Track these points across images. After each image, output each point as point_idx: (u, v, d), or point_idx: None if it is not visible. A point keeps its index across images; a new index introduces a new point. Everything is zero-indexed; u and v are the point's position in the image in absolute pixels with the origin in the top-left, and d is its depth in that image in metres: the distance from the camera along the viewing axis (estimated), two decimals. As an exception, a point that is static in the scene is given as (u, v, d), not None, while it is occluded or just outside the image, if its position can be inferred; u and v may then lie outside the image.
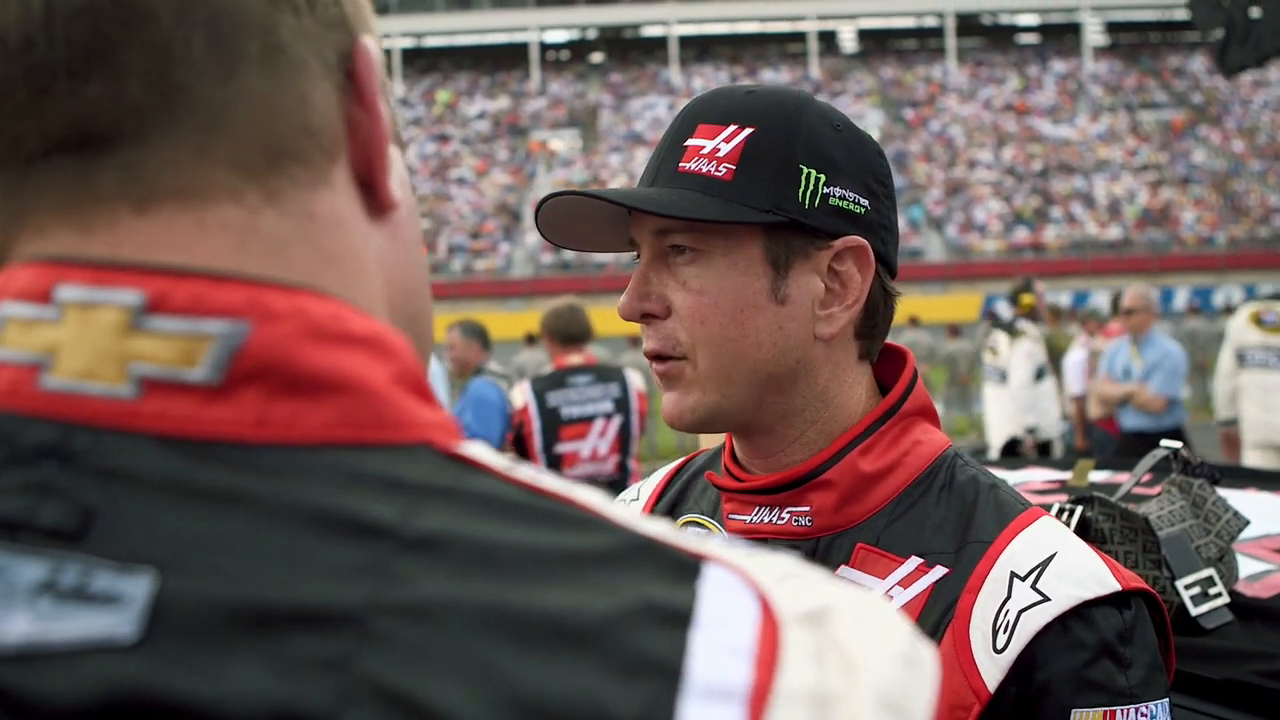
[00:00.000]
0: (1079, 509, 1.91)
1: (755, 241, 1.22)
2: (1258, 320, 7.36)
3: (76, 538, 0.46)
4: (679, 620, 0.45)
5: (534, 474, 0.51)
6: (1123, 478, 2.77)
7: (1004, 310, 10.31)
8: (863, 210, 1.25)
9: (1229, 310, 25.10)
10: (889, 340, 1.36)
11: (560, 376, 6.35)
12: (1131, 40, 56.93)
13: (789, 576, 0.49)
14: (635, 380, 6.56)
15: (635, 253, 1.30)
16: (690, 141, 1.24)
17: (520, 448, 6.29)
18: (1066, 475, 2.80)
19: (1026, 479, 2.93)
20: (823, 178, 1.22)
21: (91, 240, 0.52)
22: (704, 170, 1.22)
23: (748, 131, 1.22)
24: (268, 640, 0.43)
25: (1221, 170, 44.87)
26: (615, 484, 6.34)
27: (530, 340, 15.57)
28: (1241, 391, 7.48)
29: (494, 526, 0.48)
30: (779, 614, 0.47)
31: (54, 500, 0.46)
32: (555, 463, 6.25)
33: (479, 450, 0.52)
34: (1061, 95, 51.08)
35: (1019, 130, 48.07)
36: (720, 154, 1.22)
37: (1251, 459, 7.42)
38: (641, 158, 44.55)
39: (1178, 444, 2.06)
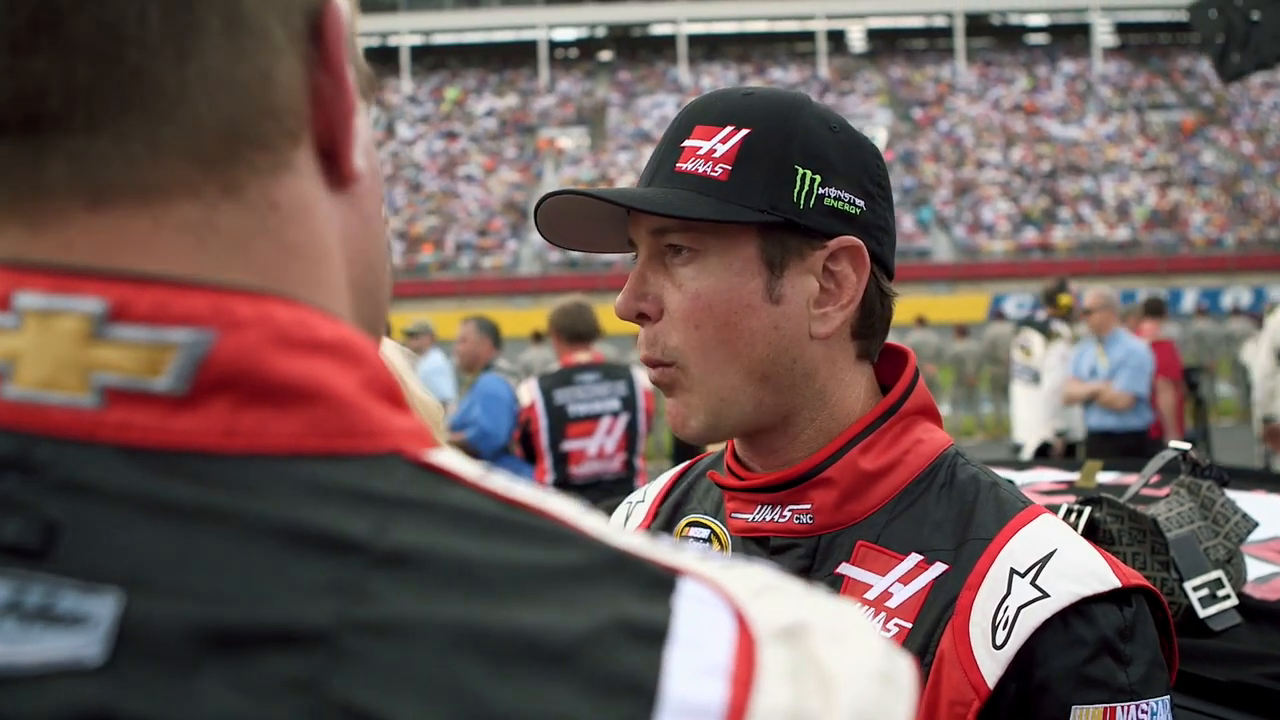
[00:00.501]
0: (1087, 510, 1.91)
1: (751, 241, 1.23)
2: None
3: (39, 555, 0.44)
4: (654, 638, 0.45)
5: (507, 484, 0.50)
6: (1131, 479, 2.76)
7: (1010, 310, 10.45)
8: (858, 211, 1.25)
9: (1237, 312, 25.09)
10: (892, 340, 1.37)
11: (568, 374, 6.35)
12: (1141, 41, 56.81)
13: (765, 590, 0.48)
14: (643, 378, 6.55)
15: (635, 253, 1.31)
16: (687, 142, 1.25)
17: (526, 445, 6.31)
18: (1074, 476, 2.80)
19: (1034, 479, 2.93)
20: (818, 178, 1.23)
21: (42, 238, 0.50)
22: (700, 170, 1.23)
23: (744, 132, 1.23)
24: (236, 661, 0.42)
25: (1230, 172, 44.77)
26: (622, 482, 6.35)
27: (538, 338, 15.55)
28: None
29: (466, 541, 0.46)
30: (755, 630, 0.46)
31: (15, 515, 0.45)
32: (562, 460, 6.27)
33: (450, 459, 0.51)
34: (1070, 96, 50.99)
35: (1028, 131, 48.00)
36: (716, 154, 1.23)
37: None
38: (649, 156, 44.51)
39: (1186, 445, 2.06)
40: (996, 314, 24.79)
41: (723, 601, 0.47)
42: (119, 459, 0.46)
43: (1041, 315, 10.22)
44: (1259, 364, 8.03)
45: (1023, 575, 1.18)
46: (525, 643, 0.43)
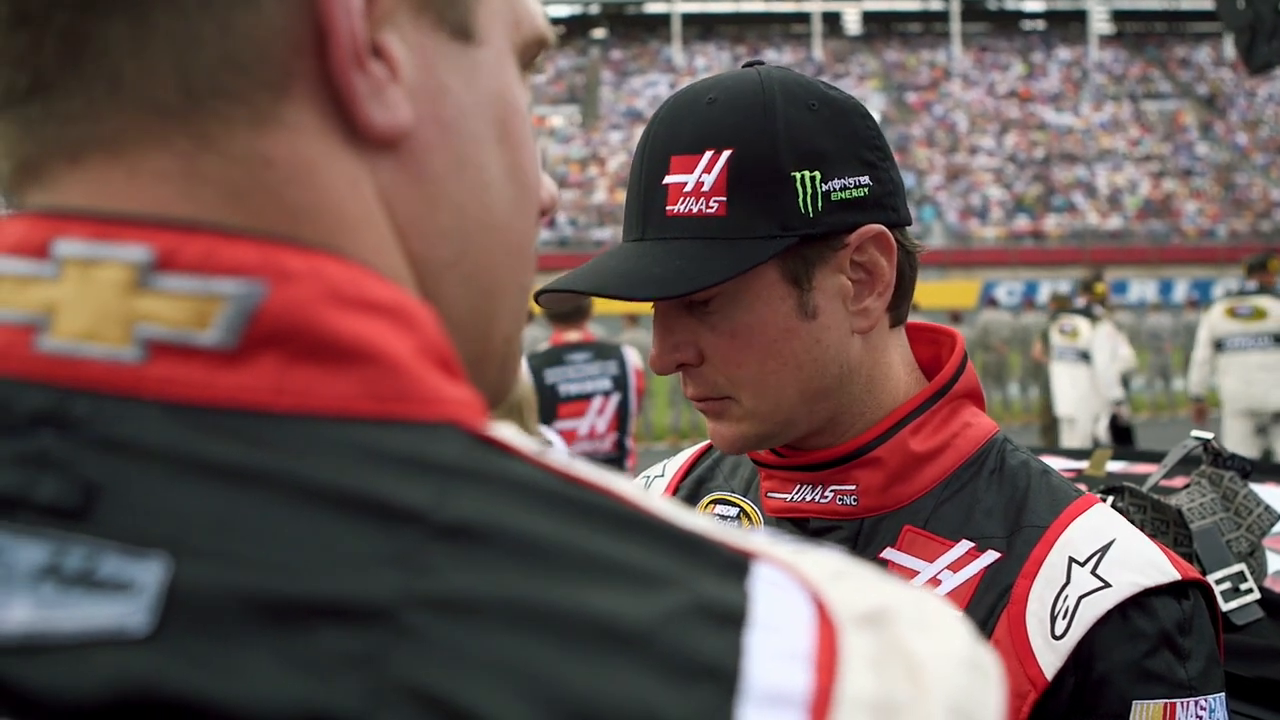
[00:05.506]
0: (1109, 499, 1.87)
1: (770, 267, 1.17)
2: (1232, 313, 9.21)
3: (79, 516, 0.42)
4: (732, 621, 0.43)
5: (567, 461, 0.47)
6: (1141, 469, 2.73)
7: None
8: (866, 192, 1.18)
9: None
10: (937, 324, 1.34)
11: (558, 353, 6.31)
12: (1137, 29, 56.85)
13: (841, 575, 0.46)
14: (633, 358, 6.54)
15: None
16: (669, 180, 1.17)
17: None
18: (1082, 465, 2.76)
19: (1040, 467, 2.89)
20: (817, 175, 1.16)
21: (49, 195, 0.50)
22: (694, 211, 1.16)
23: (726, 154, 1.15)
24: (291, 635, 0.40)
25: (1224, 163, 44.86)
26: (612, 462, 6.34)
27: (530, 317, 15.45)
28: (1222, 372, 9.30)
29: (530, 517, 0.44)
30: (835, 616, 0.44)
31: (52, 473, 0.43)
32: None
33: (508, 432, 0.48)
34: (1066, 83, 51.03)
35: (1022, 117, 48.02)
36: (705, 187, 1.15)
37: (1231, 425, 9.29)
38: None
39: (1209, 435, 2.02)
40: (988, 300, 24.74)
41: (799, 585, 0.45)
42: (162, 416, 0.44)
43: (1080, 302, 11.69)
44: (1195, 354, 9.62)
45: (1082, 564, 1.15)
46: (599, 625, 0.41)
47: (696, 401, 1.24)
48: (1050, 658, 1.13)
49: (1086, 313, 11.25)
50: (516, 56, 0.59)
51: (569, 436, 6.28)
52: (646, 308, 1.25)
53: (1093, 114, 48.55)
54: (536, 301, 1.22)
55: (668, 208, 1.17)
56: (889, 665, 0.43)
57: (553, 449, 0.49)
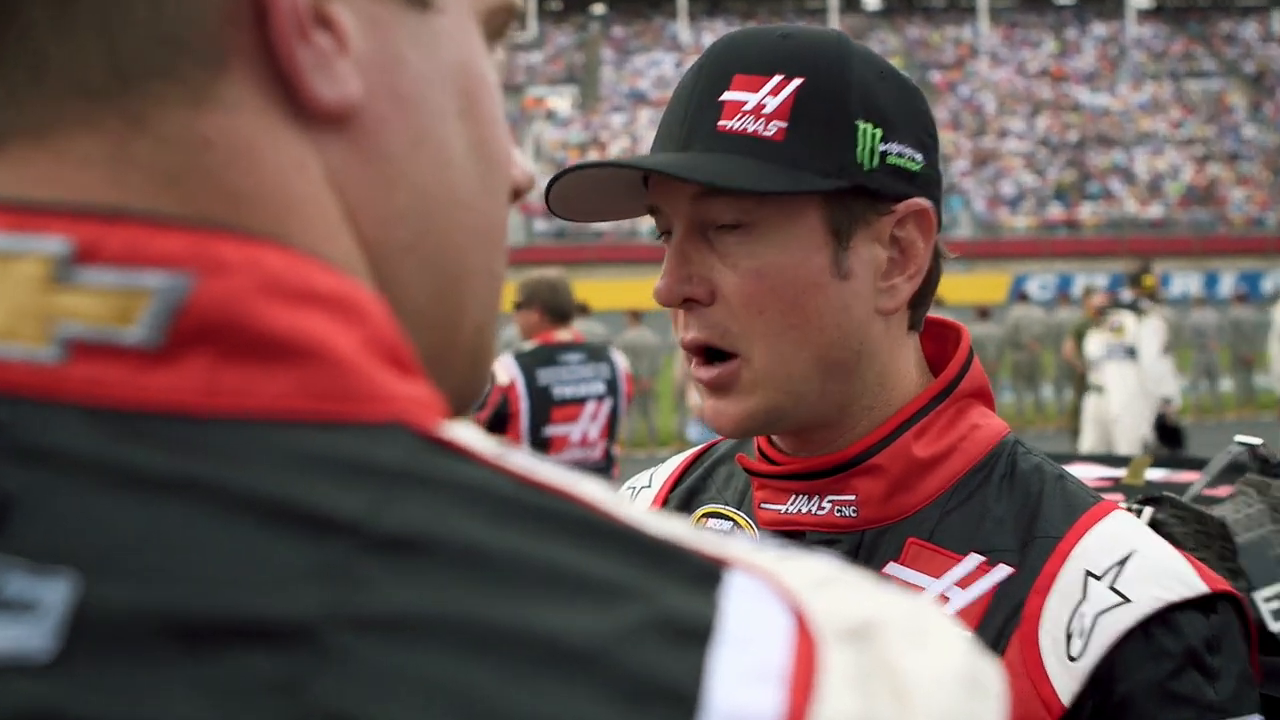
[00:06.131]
0: (1148, 510, 1.85)
1: (814, 210, 1.18)
2: None
3: None
4: (695, 637, 0.42)
5: (529, 464, 0.46)
6: (1184, 477, 2.71)
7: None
8: (919, 167, 1.22)
9: None
10: (940, 317, 1.34)
11: (550, 353, 6.25)
12: (1179, 3, 56.75)
13: (828, 582, 0.45)
14: (622, 361, 6.57)
15: (662, 227, 1.24)
16: (728, 96, 1.19)
17: (498, 429, 6.14)
18: (1120, 472, 2.74)
19: (1076, 475, 2.87)
20: (879, 133, 1.18)
21: None
22: (750, 130, 1.17)
23: (796, 83, 1.18)
24: (205, 658, 0.40)
25: (1273, 146, 44.81)
26: (600, 472, 6.29)
27: (516, 307, 15.42)
28: None
29: (479, 526, 0.43)
30: (816, 629, 0.43)
31: None
32: (542, 447, 6.17)
33: (465, 433, 0.47)
34: (1101, 61, 50.98)
35: (1054, 98, 47.99)
36: (767, 110, 1.17)
37: None
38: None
39: (1256, 440, 2.00)
40: (1019, 295, 24.75)
41: (777, 596, 0.44)
42: (83, 421, 0.44)
43: (1127, 296, 12.01)
44: (1275, 346, 10.00)
45: (1099, 578, 1.14)
46: (545, 643, 0.41)
47: (694, 353, 1.22)
48: (1066, 681, 1.12)
49: (1133, 307, 11.56)
50: (482, 25, 0.58)
51: (560, 444, 6.23)
52: (652, 303, 1.24)
53: (1131, 94, 48.50)
54: (553, 188, 1.23)
55: (720, 122, 1.18)
56: (873, 684, 0.42)
57: (515, 451, 0.48)
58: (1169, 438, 11.46)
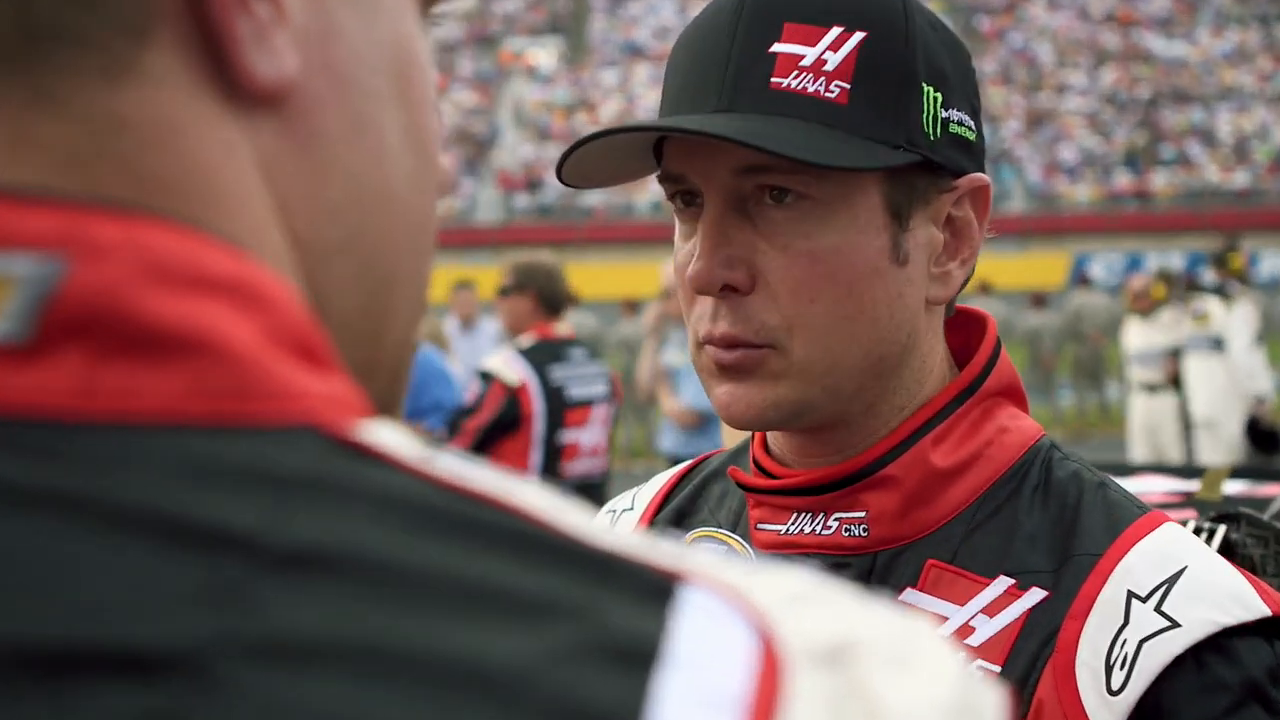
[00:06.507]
0: (1221, 529, 1.86)
1: (875, 186, 1.19)
2: None
3: None
4: (638, 660, 0.42)
5: (459, 468, 0.47)
6: (1269, 490, 2.72)
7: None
8: (975, 137, 1.24)
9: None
10: (973, 302, 1.34)
11: (554, 348, 6.27)
12: (1267, -65, 56.83)
13: (802, 598, 0.45)
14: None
15: (675, 195, 1.25)
16: (781, 48, 1.19)
17: (498, 435, 6.06)
18: (1193, 486, 2.75)
19: (1140, 490, 2.88)
20: (940, 97, 1.21)
21: None
22: (810, 90, 1.18)
23: (859, 36, 1.18)
24: (66, 693, 0.40)
25: (1378, 102, 44.84)
26: (601, 487, 6.35)
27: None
28: None
29: (393, 539, 0.44)
30: (784, 651, 0.43)
31: None
32: (554, 456, 6.18)
33: (387, 434, 0.48)
34: (1177, 3, 51.01)
35: (1122, 47, 48.02)
36: (828, 66, 1.18)
37: None
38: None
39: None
40: (1080, 279, 24.81)
41: (741, 614, 0.44)
42: None
43: (1210, 278, 12.07)
44: None
45: (1144, 600, 1.15)
46: (461, 668, 0.41)
47: (723, 349, 1.21)
48: (1106, 717, 1.13)
49: (1219, 291, 11.54)
50: None
51: (571, 451, 6.26)
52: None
53: (1212, 42, 48.53)
54: (570, 156, 1.22)
55: (774, 79, 1.18)
56: (847, 712, 0.42)
57: (444, 454, 0.48)
58: (1263, 442, 11.33)
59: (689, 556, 0.47)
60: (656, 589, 0.44)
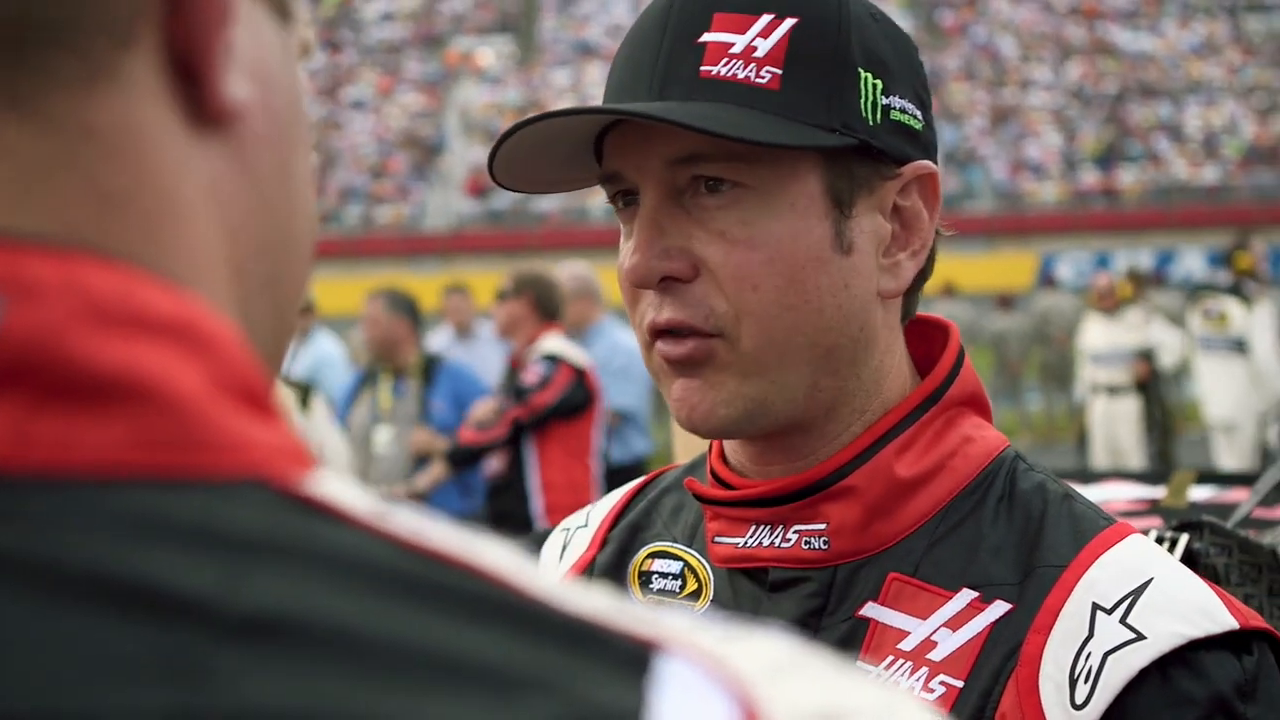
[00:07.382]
0: (1184, 538, 1.87)
1: (813, 171, 1.21)
2: None
3: None
4: None
5: (416, 526, 0.46)
6: (1235, 495, 2.73)
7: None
8: (920, 126, 1.26)
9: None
10: (944, 304, 1.35)
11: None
12: (1233, -75, 57.28)
13: (783, 670, 0.45)
14: None
15: (616, 195, 1.26)
16: (710, 37, 1.21)
17: (547, 420, 6.26)
18: (1159, 492, 2.77)
19: (1104, 497, 2.90)
20: (879, 84, 1.22)
21: None
22: (740, 76, 1.20)
23: (790, 23, 1.20)
24: None
25: (1348, 95, 45.23)
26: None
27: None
28: None
29: (355, 605, 0.43)
30: None
31: None
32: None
33: (337, 488, 0.47)
34: (1142, -4, 51.34)
35: (1087, 41, 48.30)
36: (758, 53, 1.20)
37: None
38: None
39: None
40: (1047, 279, 24.92)
41: (722, 685, 0.43)
42: None
43: (1223, 278, 12.16)
44: None
45: (1109, 611, 1.16)
46: None
47: (668, 337, 1.22)
48: None
49: (1235, 291, 11.62)
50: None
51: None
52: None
53: (1179, 34, 48.87)
54: (499, 149, 1.22)
55: (703, 67, 1.21)
56: None
57: (398, 509, 0.47)
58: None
59: (663, 621, 0.46)
60: (633, 659, 0.44)
